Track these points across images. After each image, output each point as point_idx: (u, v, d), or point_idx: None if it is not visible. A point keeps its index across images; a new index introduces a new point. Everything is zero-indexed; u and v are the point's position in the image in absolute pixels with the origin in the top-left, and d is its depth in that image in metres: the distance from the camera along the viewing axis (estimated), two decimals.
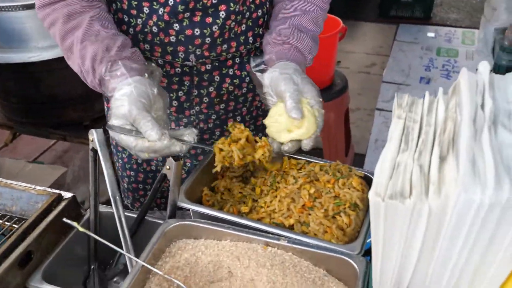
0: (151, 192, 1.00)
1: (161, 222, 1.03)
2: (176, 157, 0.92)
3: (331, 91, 2.44)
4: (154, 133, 0.89)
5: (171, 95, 1.20)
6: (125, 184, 1.40)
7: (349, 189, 0.93)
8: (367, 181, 0.99)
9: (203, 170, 1.04)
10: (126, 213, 1.01)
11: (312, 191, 0.93)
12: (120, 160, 1.36)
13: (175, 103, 1.22)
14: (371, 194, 0.63)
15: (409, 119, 0.74)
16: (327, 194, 0.93)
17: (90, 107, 2.24)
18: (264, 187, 1.00)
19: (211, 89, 1.21)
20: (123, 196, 1.45)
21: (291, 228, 0.91)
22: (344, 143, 2.57)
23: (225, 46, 1.14)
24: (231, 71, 1.20)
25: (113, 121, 0.92)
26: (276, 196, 0.96)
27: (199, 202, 1.03)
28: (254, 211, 0.96)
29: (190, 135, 0.95)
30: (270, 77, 1.04)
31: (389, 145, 0.70)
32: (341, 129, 2.51)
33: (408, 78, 3.62)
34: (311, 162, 1.03)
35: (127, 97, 0.91)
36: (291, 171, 1.01)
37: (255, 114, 1.32)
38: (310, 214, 0.91)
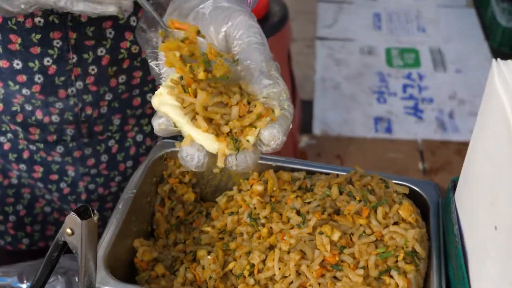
0: (42, 267, 0.55)
1: None
2: (84, 211, 0.47)
3: (268, 23, 1.92)
4: None
5: (31, 64, 0.71)
6: None
7: (396, 224, 0.54)
8: (411, 198, 0.59)
9: (131, 209, 0.59)
10: None
11: (336, 237, 0.52)
12: None
13: (39, 79, 0.71)
14: None
15: None
16: (362, 239, 0.53)
17: None
18: (240, 228, 0.58)
19: (101, 51, 0.72)
20: None
21: None
22: (290, 91, 2.17)
23: None
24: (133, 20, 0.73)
25: None
26: (270, 249, 0.54)
27: (131, 267, 0.59)
28: (231, 275, 0.55)
29: None
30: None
31: None
32: (285, 72, 2.09)
33: None
34: (314, 172, 0.61)
35: None
36: (283, 196, 0.59)
37: None
38: (337, 279, 0.51)
